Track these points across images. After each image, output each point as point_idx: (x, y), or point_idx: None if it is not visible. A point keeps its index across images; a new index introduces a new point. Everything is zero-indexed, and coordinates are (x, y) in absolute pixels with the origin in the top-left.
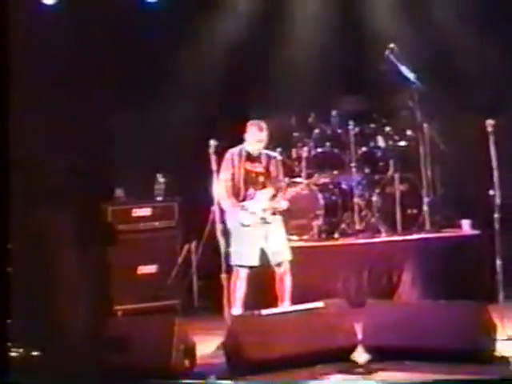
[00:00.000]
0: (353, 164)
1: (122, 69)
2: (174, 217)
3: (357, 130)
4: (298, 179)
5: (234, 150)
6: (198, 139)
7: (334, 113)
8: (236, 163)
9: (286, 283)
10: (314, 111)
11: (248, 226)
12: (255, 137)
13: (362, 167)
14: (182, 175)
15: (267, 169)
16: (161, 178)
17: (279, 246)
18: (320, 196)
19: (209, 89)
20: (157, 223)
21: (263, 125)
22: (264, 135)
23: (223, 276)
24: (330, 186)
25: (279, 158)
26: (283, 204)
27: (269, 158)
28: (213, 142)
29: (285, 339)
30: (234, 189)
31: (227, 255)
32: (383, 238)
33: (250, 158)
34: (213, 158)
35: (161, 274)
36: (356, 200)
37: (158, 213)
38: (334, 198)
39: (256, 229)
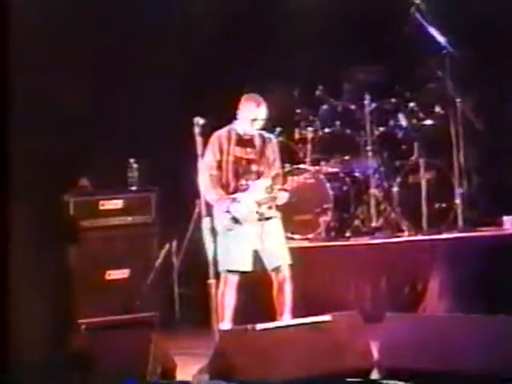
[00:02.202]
0: (369, 147)
1: (88, 38)
2: (150, 210)
3: (374, 105)
4: (301, 166)
5: (221, 132)
6: (180, 117)
7: (346, 85)
8: (224, 148)
9: (285, 292)
10: (322, 83)
11: (239, 223)
12: (251, 114)
13: (380, 151)
14: (161, 161)
15: (262, 154)
16: (135, 164)
17: (277, 247)
18: (328, 186)
19: (195, 56)
20: (130, 218)
21: (261, 100)
22: (262, 112)
23: (211, 283)
24: (341, 175)
25: (275, 140)
26: (283, 196)
27: (264, 140)
28: (198, 121)
29: (284, 360)
30: (221, 179)
31: (215, 258)
32: (405, 237)
33: (241, 141)
34: (198, 140)
35: (134, 280)
36: (372, 191)
37: (132, 206)
38: (345, 188)
39: (249, 227)
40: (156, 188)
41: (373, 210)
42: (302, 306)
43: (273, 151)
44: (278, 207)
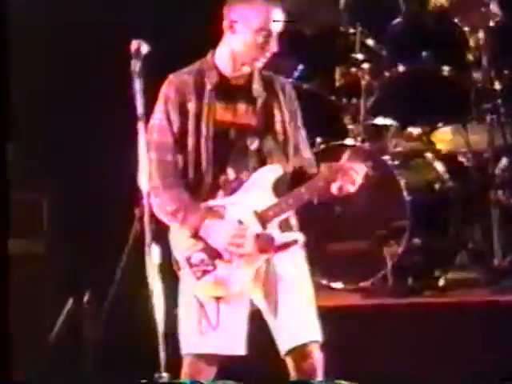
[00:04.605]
0: (488, 105)
1: None
2: (39, 230)
3: (500, 19)
4: (348, 140)
5: (184, 75)
6: (103, 40)
7: None
8: (190, 105)
9: None
10: None
11: (223, 258)
12: (255, 21)
13: (509, 115)
14: (60, 134)
15: (268, 116)
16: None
17: (298, 306)
18: (404, 183)
19: None
20: None
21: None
22: (277, 17)
23: (161, 378)
24: (430, 159)
25: (291, 88)
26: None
27: (271, 88)
28: (139, 46)
29: None
30: (185, 170)
31: (172, 328)
32: None
33: (226, 90)
34: (137, 87)
35: None
36: (496, 195)
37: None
38: (438, 186)
39: (243, 266)
40: (50, 187)
41: (495, 234)
42: None
43: (290, 109)
44: (301, 224)
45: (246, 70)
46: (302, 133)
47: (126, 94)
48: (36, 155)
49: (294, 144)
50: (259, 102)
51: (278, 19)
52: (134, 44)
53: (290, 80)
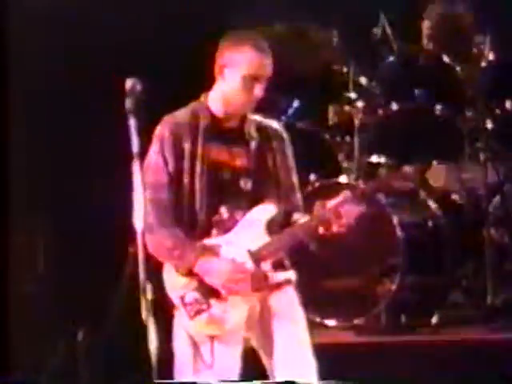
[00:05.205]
0: (480, 143)
1: None
2: (32, 269)
3: (493, 57)
4: (342, 179)
5: (179, 116)
6: (98, 78)
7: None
8: (185, 146)
9: None
10: (385, 8)
11: (218, 297)
12: (245, 67)
13: (506, 152)
14: (55, 172)
15: (261, 159)
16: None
17: (292, 344)
18: (397, 220)
19: None
20: None
21: (263, 43)
22: (267, 64)
23: None
24: (422, 197)
25: (283, 131)
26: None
27: (265, 133)
28: (134, 85)
29: None
30: (179, 208)
31: (166, 367)
32: None
33: (220, 132)
34: (132, 125)
35: None
36: (488, 232)
37: None
38: (431, 224)
39: (238, 304)
40: (43, 226)
41: (489, 271)
42: None
43: (282, 155)
44: (294, 263)
45: (238, 113)
46: (294, 178)
47: (121, 132)
48: (30, 194)
49: (284, 188)
50: (252, 145)
51: (266, 65)
52: (129, 82)
53: (284, 118)
